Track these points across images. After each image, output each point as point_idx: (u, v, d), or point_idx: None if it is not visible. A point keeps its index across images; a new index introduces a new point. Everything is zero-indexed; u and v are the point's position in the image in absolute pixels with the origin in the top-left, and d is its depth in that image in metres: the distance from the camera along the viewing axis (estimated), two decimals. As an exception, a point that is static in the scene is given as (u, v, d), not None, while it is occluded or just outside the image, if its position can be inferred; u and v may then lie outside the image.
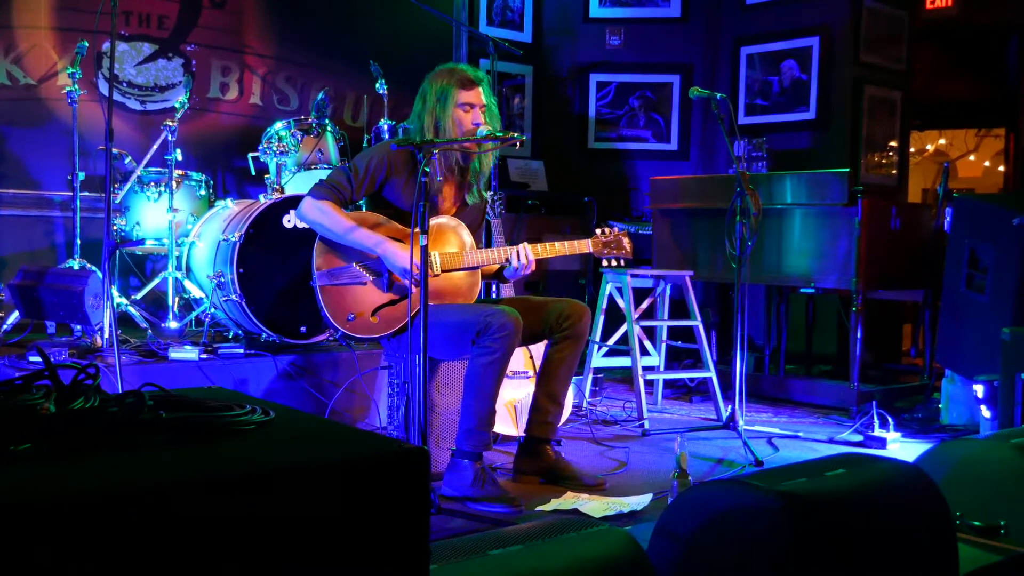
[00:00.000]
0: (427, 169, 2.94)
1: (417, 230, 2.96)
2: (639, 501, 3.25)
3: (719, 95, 4.29)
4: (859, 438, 4.37)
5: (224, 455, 1.26)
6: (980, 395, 3.91)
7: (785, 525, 1.80)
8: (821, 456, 2.42)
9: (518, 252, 3.51)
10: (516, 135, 3.19)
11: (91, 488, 1.11)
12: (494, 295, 4.32)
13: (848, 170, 5.00)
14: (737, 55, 6.99)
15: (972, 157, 11.98)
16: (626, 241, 3.60)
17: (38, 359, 3.87)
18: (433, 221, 3.52)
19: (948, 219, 4.87)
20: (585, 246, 3.57)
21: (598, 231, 3.62)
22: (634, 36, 7.22)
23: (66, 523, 1.06)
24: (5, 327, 4.46)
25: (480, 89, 3.53)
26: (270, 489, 1.18)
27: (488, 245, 3.99)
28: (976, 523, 2.32)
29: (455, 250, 3.54)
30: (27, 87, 5.43)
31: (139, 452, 1.26)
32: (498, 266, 3.64)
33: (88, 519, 1.07)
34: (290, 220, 4.35)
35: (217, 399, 1.54)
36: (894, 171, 6.90)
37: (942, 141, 11.65)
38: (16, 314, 4.44)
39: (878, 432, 4.27)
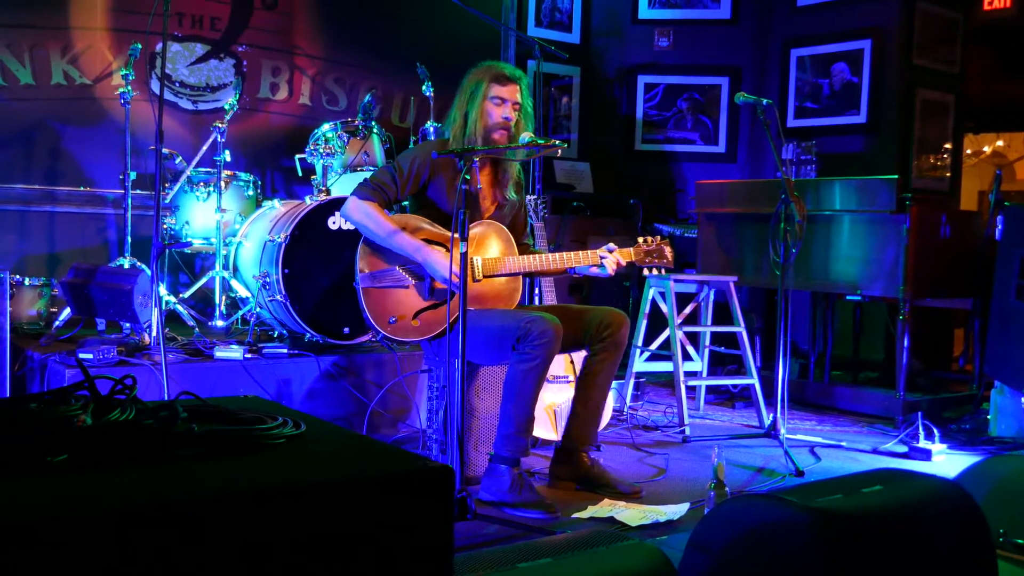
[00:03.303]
0: (467, 177, 2.95)
1: (457, 236, 2.98)
2: (676, 510, 3.23)
3: (765, 101, 4.25)
4: (904, 449, 4.31)
5: (253, 470, 1.29)
6: (1028, 408, 3.84)
7: (818, 542, 1.79)
8: (859, 471, 2.39)
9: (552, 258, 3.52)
10: (557, 142, 3.19)
11: (125, 502, 1.14)
12: (536, 300, 4.32)
13: (897, 177, 4.93)
14: (787, 57, 6.92)
15: (1030, 160, 11.72)
16: (668, 250, 3.58)
17: (88, 355, 3.95)
18: (477, 225, 3.53)
19: (999, 227, 4.78)
20: (627, 255, 3.55)
21: (640, 240, 3.59)
22: (683, 38, 7.17)
23: (100, 535, 1.09)
24: (57, 323, 4.56)
25: (515, 87, 3.52)
26: (296, 504, 1.20)
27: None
28: (1019, 541, 2.28)
29: (497, 255, 3.55)
30: (82, 87, 5.55)
31: (171, 465, 1.29)
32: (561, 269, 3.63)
33: (122, 532, 1.10)
34: (335, 222, 4.40)
35: (251, 410, 1.57)
36: (947, 174, 6.79)
37: (1000, 143, 11.42)
38: (68, 310, 4.54)
39: (923, 443, 4.21)
